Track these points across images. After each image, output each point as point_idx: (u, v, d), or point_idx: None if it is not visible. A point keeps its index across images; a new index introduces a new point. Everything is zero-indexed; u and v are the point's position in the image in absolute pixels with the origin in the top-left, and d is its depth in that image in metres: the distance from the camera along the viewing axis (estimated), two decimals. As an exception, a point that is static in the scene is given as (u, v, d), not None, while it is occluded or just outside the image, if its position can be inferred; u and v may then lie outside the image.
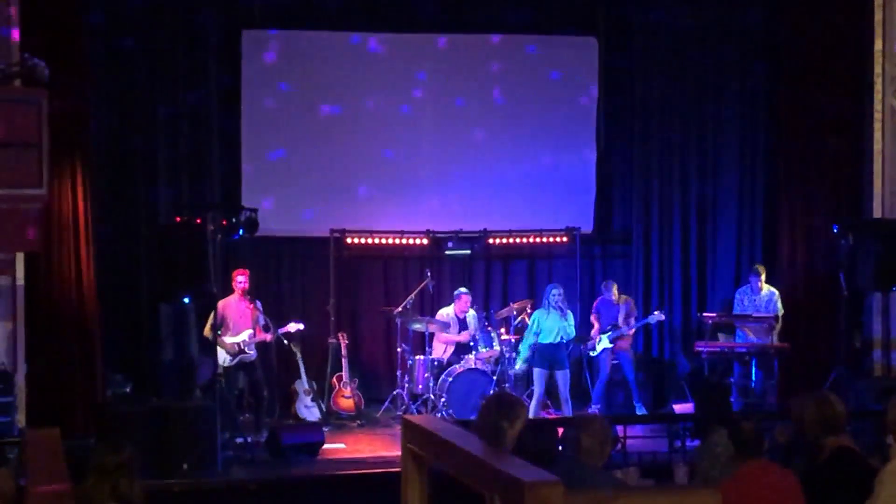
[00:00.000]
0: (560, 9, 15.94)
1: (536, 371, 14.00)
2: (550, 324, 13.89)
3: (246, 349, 13.35)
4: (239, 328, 13.32)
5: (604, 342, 14.64)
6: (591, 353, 14.77)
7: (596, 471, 6.31)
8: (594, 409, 14.40)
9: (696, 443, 11.84)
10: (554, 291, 13.99)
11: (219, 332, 12.81)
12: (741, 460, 6.68)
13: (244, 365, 13.43)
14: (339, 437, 13.49)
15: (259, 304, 13.50)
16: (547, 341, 13.92)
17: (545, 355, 13.94)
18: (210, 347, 12.68)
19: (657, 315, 14.95)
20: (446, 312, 14.91)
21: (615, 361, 14.74)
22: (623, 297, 15.02)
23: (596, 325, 14.83)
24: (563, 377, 13.96)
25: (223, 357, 13.13)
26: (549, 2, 15.94)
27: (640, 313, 15.42)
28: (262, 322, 13.46)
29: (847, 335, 14.22)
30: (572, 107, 16.00)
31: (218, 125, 15.01)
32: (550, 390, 14.07)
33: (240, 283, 13.37)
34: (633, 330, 14.92)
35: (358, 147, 15.41)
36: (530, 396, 14.41)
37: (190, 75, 14.83)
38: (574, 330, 14.16)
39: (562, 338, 13.88)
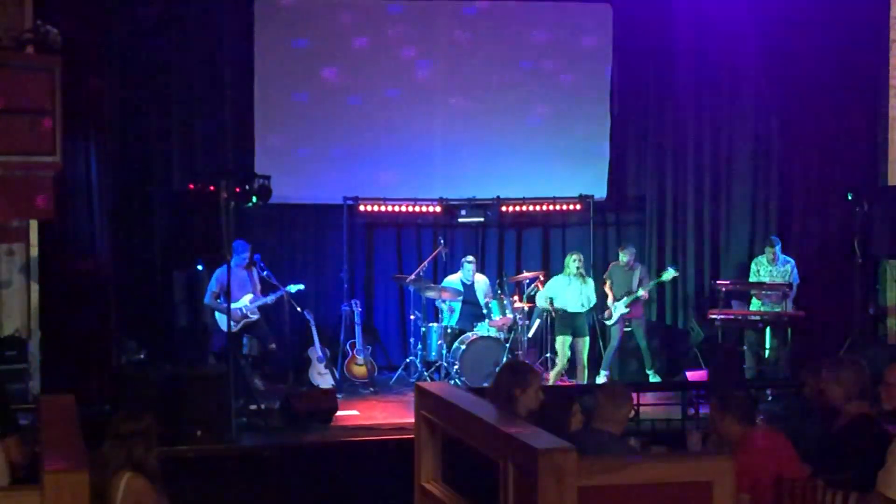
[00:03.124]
0: (575, -24, 15.90)
1: (559, 338, 14.10)
2: (572, 291, 13.99)
3: (249, 314, 13.48)
4: (239, 295, 13.42)
5: (619, 309, 14.59)
6: (608, 322, 14.70)
7: (611, 438, 6.32)
8: (604, 375, 14.43)
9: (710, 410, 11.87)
10: (574, 257, 14.10)
11: (219, 300, 12.89)
12: (739, 428, 6.71)
13: (248, 326, 13.56)
14: (353, 404, 13.51)
15: (260, 265, 13.58)
16: (569, 310, 14.03)
17: (567, 323, 14.04)
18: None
19: (671, 271, 14.92)
20: (454, 279, 14.87)
21: (628, 329, 14.72)
22: (635, 263, 14.99)
23: (611, 293, 14.76)
24: (582, 344, 14.11)
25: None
26: (564, -31, 15.90)
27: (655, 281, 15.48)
28: (260, 284, 13.59)
29: (861, 302, 14.20)
30: (587, 73, 15.93)
31: (231, 93, 14.99)
32: (570, 357, 14.17)
33: (243, 258, 13.49)
34: (647, 294, 14.87)
35: (371, 114, 15.37)
36: (544, 364, 14.46)
37: (203, 42, 14.81)
38: (595, 296, 14.23)
39: (583, 304, 14.02)
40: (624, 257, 14.74)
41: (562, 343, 14.11)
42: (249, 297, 13.46)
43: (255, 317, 13.58)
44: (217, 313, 13.25)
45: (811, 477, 6.47)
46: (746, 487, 6.23)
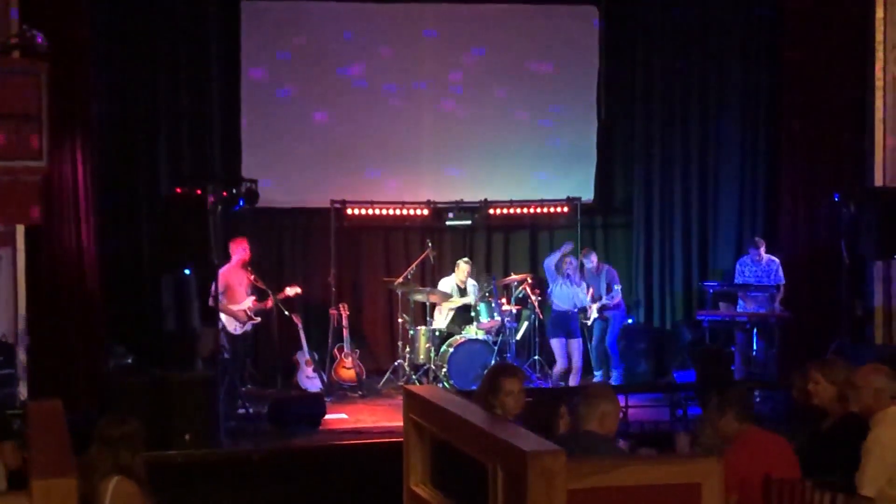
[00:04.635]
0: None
1: (554, 340, 14.16)
2: (563, 292, 14.03)
3: (253, 315, 13.50)
4: (242, 296, 13.45)
5: (593, 313, 14.63)
6: (587, 322, 14.73)
7: (599, 440, 6.32)
8: (596, 376, 14.47)
9: (698, 411, 11.89)
10: (567, 260, 14.12)
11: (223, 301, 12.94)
12: (737, 425, 6.71)
13: (244, 336, 13.61)
14: (341, 407, 13.52)
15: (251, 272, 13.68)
16: (560, 309, 14.09)
17: (560, 323, 14.11)
18: (212, 318, 12.70)
19: (611, 296, 14.80)
20: (448, 282, 14.88)
21: (604, 324, 14.79)
22: (602, 265, 15.00)
23: (589, 295, 14.76)
24: (575, 346, 14.19)
25: (234, 325, 13.26)
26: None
27: (643, 283, 15.51)
28: (256, 290, 13.63)
29: (848, 304, 14.22)
30: (573, 76, 15.94)
31: (218, 97, 14.97)
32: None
33: (242, 254, 13.50)
34: (618, 298, 14.85)
35: (358, 118, 15.37)
36: (532, 366, 14.47)
37: (190, 46, 14.80)
38: (587, 298, 14.24)
39: (574, 306, 14.09)
40: (587, 263, 14.75)
41: (556, 344, 14.16)
42: (252, 298, 13.52)
43: (257, 320, 13.66)
44: (222, 315, 13.23)
45: (800, 478, 6.48)
46: (735, 485, 6.23)
